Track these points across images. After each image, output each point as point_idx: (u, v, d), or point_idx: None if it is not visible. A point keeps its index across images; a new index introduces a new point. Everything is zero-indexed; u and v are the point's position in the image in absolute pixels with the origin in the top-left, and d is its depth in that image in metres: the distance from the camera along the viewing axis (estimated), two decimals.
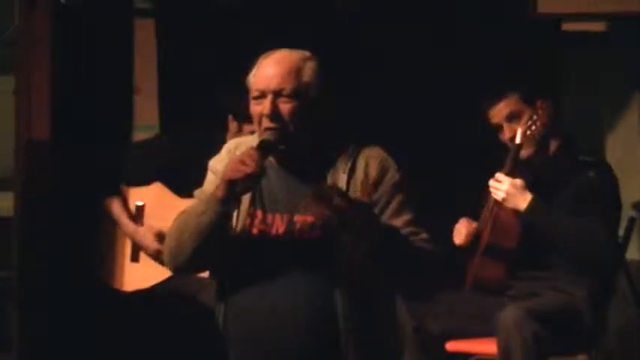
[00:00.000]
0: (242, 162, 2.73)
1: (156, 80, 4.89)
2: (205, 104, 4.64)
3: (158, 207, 4.04)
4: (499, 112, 3.97)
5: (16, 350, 4.32)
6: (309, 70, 2.84)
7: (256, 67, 2.87)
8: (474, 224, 3.99)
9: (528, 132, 3.83)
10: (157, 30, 4.90)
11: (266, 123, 2.80)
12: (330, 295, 2.77)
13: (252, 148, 2.78)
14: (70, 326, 4.32)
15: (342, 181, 2.82)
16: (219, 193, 2.77)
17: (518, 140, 3.85)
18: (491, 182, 3.87)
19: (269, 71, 2.82)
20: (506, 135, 3.95)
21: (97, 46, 4.63)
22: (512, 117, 3.92)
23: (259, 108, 2.82)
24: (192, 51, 4.81)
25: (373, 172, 2.85)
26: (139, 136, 4.85)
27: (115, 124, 4.74)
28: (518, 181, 3.82)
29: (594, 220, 3.74)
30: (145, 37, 4.89)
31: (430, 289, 2.94)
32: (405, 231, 2.82)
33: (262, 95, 2.81)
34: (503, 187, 3.83)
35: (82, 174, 4.31)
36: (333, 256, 2.76)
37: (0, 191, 4.64)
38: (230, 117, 4.04)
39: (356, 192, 2.81)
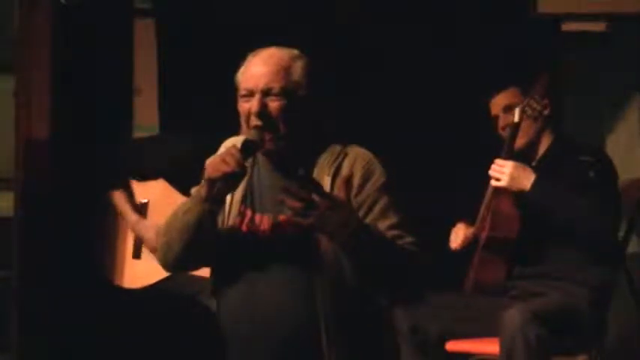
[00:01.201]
0: (223, 161, 2.72)
1: (156, 80, 4.89)
2: (205, 104, 4.64)
3: (162, 205, 4.04)
4: (497, 103, 4.00)
5: (16, 350, 4.32)
6: (298, 69, 2.82)
7: (245, 64, 2.85)
8: (471, 229, 3.98)
9: (527, 109, 3.83)
10: (157, 30, 4.90)
11: (254, 121, 2.79)
12: (312, 295, 2.76)
13: (234, 147, 2.76)
14: (70, 326, 4.32)
15: (326, 183, 2.81)
16: (203, 192, 2.77)
17: (516, 119, 3.85)
18: (493, 168, 3.85)
19: (257, 70, 2.80)
20: (501, 125, 3.96)
21: (97, 46, 4.63)
22: (509, 109, 3.93)
23: (247, 106, 2.80)
24: (192, 51, 4.81)
25: (358, 174, 2.84)
26: (139, 136, 4.86)
27: (115, 124, 4.74)
28: (520, 164, 3.81)
29: (597, 200, 3.74)
30: (145, 37, 4.89)
31: (415, 292, 2.92)
32: (388, 234, 2.80)
33: (250, 94, 2.79)
34: (506, 170, 3.81)
35: (86, 169, 4.32)
36: (317, 255, 2.75)
37: (0, 191, 4.64)
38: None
39: (341, 194, 2.80)
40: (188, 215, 2.79)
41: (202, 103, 4.69)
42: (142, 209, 4.11)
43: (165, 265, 2.91)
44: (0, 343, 4.43)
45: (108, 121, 4.66)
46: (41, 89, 4.38)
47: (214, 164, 2.74)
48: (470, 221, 4.03)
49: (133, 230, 4.08)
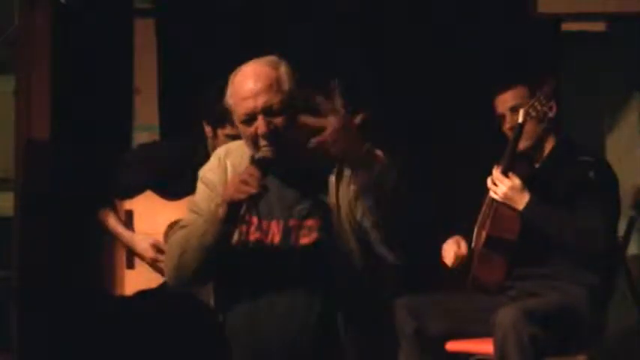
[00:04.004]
0: (244, 182, 2.71)
1: (156, 80, 4.89)
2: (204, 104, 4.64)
3: (146, 211, 4.04)
4: (504, 101, 3.97)
5: (16, 350, 4.32)
6: (284, 76, 2.82)
7: (232, 87, 2.83)
8: (463, 246, 3.96)
9: (531, 110, 3.83)
10: (157, 30, 4.90)
11: (264, 142, 2.78)
12: (328, 302, 2.76)
13: (252, 167, 2.75)
14: (69, 326, 4.32)
15: (331, 184, 2.82)
16: (221, 213, 2.75)
17: (520, 119, 3.84)
18: (491, 180, 3.87)
19: (250, 89, 2.78)
20: (507, 125, 3.95)
21: (97, 46, 4.63)
22: (516, 108, 3.91)
23: (252, 129, 2.79)
24: (192, 51, 4.80)
25: None
26: (139, 136, 4.86)
27: (115, 124, 4.73)
28: (517, 183, 3.81)
29: (593, 218, 3.74)
30: (145, 37, 4.89)
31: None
32: None
33: (252, 117, 2.78)
34: (501, 188, 3.82)
35: (82, 176, 4.32)
36: (331, 260, 2.76)
37: (0, 191, 4.64)
38: (204, 122, 4.02)
39: (347, 194, 2.80)
40: (205, 237, 2.78)
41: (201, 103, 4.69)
42: (128, 217, 4.10)
43: (178, 284, 2.90)
44: (0, 343, 4.43)
45: (108, 121, 4.66)
46: (41, 89, 4.38)
47: (235, 186, 2.73)
48: (464, 232, 4.01)
49: (128, 246, 4.07)
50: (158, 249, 3.93)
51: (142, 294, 4.01)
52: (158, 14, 4.92)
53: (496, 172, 3.86)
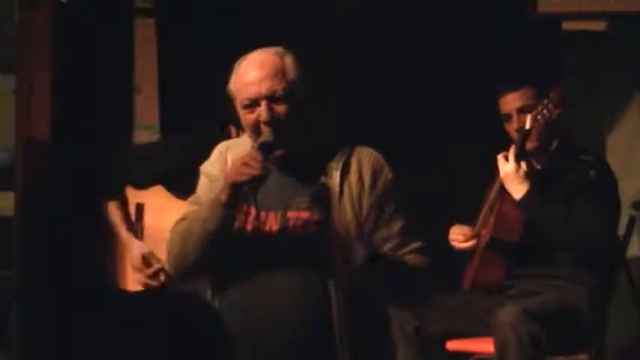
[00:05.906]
0: (246, 164, 2.72)
1: (156, 80, 4.89)
2: (205, 104, 4.64)
3: (157, 206, 4.04)
4: (511, 102, 3.95)
5: (16, 350, 4.32)
6: (290, 67, 2.83)
7: (236, 74, 2.84)
8: (467, 228, 3.97)
9: (539, 117, 3.82)
10: (157, 30, 4.90)
11: (265, 129, 2.79)
12: (325, 293, 2.77)
13: (254, 150, 2.77)
14: (69, 326, 4.32)
15: (335, 181, 2.83)
16: (224, 198, 2.76)
17: (527, 125, 3.83)
18: (500, 158, 3.85)
19: (254, 76, 2.80)
20: (514, 125, 3.93)
21: (97, 46, 4.63)
22: (524, 110, 3.89)
23: (253, 116, 2.80)
24: (192, 51, 4.81)
25: (367, 174, 2.86)
26: (139, 135, 4.86)
27: (115, 124, 4.74)
28: (523, 168, 3.81)
29: (592, 217, 3.74)
30: (145, 37, 4.89)
31: (420, 298, 2.98)
32: (397, 241, 2.85)
33: (255, 103, 2.80)
34: (505, 168, 3.81)
35: (83, 175, 4.32)
36: (328, 253, 2.76)
37: (0, 191, 4.65)
38: (230, 124, 4.03)
39: (350, 193, 2.82)
40: (208, 223, 2.78)
41: (202, 103, 4.69)
42: (138, 211, 4.10)
43: (180, 274, 2.90)
44: (0, 343, 4.44)
45: (108, 120, 4.67)
46: (41, 89, 4.39)
47: (237, 169, 2.74)
48: (464, 222, 4.02)
49: (124, 246, 4.07)
50: (147, 262, 3.90)
51: (144, 293, 4.01)
52: (158, 14, 4.92)
53: (510, 152, 3.83)
